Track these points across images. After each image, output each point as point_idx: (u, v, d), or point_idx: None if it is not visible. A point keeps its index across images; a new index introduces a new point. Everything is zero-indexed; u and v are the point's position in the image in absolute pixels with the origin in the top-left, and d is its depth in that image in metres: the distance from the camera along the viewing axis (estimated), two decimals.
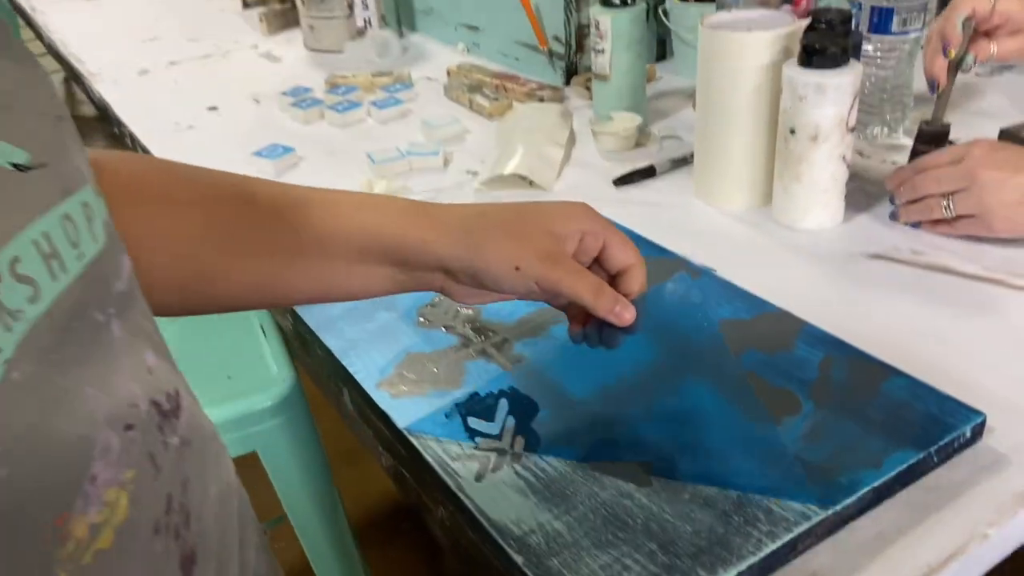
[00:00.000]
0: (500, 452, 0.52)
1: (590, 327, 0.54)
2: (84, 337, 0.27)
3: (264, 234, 0.50)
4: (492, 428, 0.54)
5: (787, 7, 0.86)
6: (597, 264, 0.54)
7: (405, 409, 0.57)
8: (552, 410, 0.55)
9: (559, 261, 0.51)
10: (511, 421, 0.54)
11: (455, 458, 0.53)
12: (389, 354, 0.63)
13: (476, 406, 0.56)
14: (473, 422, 0.55)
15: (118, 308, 0.30)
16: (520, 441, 0.53)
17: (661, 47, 1.24)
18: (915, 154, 0.85)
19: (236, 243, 0.50)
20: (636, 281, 0.54)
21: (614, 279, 0.54)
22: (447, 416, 0.56)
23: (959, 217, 0.72)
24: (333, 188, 0.54)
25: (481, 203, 0.53)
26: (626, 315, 0.52)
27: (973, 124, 0.93)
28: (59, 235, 0.26)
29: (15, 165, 0.25)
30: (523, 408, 0.55)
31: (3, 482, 0.23)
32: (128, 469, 0.28)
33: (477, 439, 0.54)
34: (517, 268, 0.50)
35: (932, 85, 0.84)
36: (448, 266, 0.51)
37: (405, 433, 0.55)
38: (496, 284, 0.51)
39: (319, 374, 0.74)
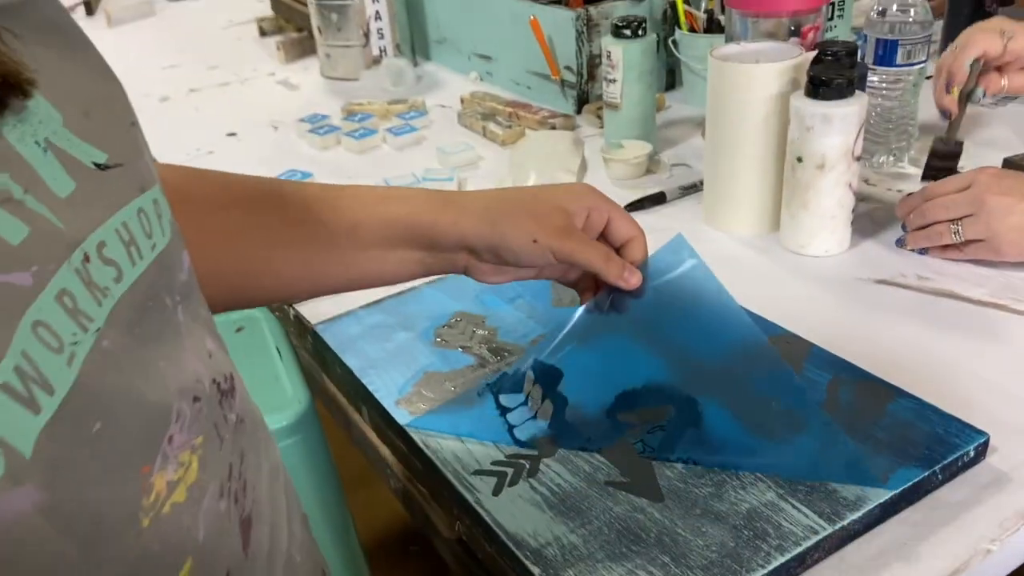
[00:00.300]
0: (517, 469, 0.54)
1: (600, 296, 0.59)
2: (157, 317, 0.31)
3: (298, 228, 0.54)
4: (518, 399, 0.58)
5: (794, 39, 0.88)
6: (603, 238, 0.59)
7: (422, 425, 0.59)
8: (577, 373, 0.59)
9: (572, 234, 0.55)
10: (537, 390, 0.58)
11: (472, 472, 0.54)
12: (408, 373, 0.65)
13: (505, 383, 0.60)
14: (505, 399, 0.59)
15: (182, 296, 0.33)
16: (548, 406, 0.57)
17: (671, 76, 1.26)
18: (929, 168, 0.88)
19: (272, 238, 0.53)
20: (639, 250, 0.58)
21: (618, 251, 0.59)
22: (479, 395, 0.60)
23: (968, 242, 0.74)
24: (357, 184, 0.58)
25: (497, 188, 0.57)
26: (633, 280, 0.57)
27: (978, 154, 0.94)
28: (136, 226, 0.30)
29: (96, 164, 0.29)
30: (549, 377, 0.59)
31: (99, 432, 0.26)
32: (198, 436, 0.31)
33: (507, 415, 0.57)
34: (535, 241, 0.54)
35: (944, 114, 0.87)
36: (472, 245, 0.55)
37: (409, 431, 0.58)
38: (516, 259, 0.55)
39: (331, 398, 0.76)
